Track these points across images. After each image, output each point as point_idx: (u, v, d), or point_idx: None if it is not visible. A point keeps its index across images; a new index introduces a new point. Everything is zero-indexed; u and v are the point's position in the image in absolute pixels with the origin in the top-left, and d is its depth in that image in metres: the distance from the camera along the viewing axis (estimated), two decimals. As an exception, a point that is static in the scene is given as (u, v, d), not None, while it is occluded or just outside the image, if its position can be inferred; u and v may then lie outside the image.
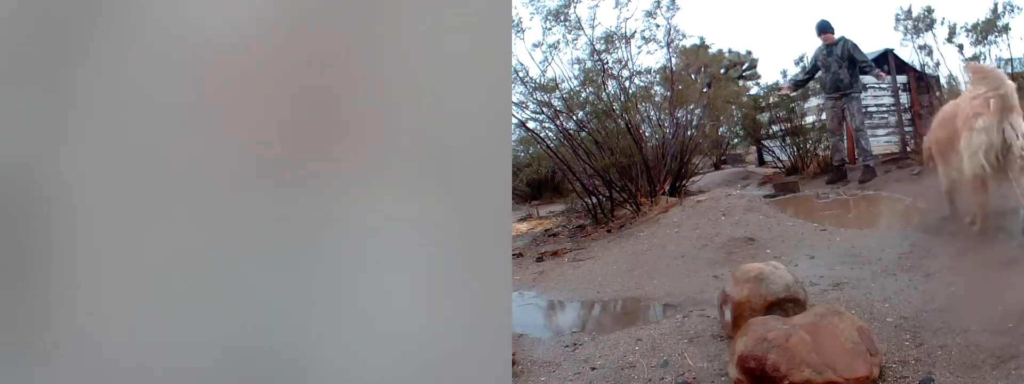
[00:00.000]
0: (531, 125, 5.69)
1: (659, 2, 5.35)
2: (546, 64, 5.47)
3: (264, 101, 0.93)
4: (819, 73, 5.74)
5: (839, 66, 5.49)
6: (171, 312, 0.90)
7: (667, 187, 5.35)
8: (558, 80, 5.50)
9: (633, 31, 5.41)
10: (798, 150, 7.09)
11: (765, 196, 5.01)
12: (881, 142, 7.39)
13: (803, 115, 7.22)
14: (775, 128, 7.53)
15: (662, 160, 5.36)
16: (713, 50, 6.69)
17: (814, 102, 7.66)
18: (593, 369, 2.13)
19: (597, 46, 5.35)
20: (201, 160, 0.92)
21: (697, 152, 6.21)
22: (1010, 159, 2.89)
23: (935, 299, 2.23)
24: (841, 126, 5.86)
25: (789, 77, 6.39)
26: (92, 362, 0.89)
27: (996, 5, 5.84)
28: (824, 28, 5.59)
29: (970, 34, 5.98)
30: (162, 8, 0.91)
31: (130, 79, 0.90)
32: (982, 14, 7.57)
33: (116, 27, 0.90)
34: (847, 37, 5.56)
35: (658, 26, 5.44)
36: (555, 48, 5.41)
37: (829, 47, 5.54)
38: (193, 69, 0.92)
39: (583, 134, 5.43)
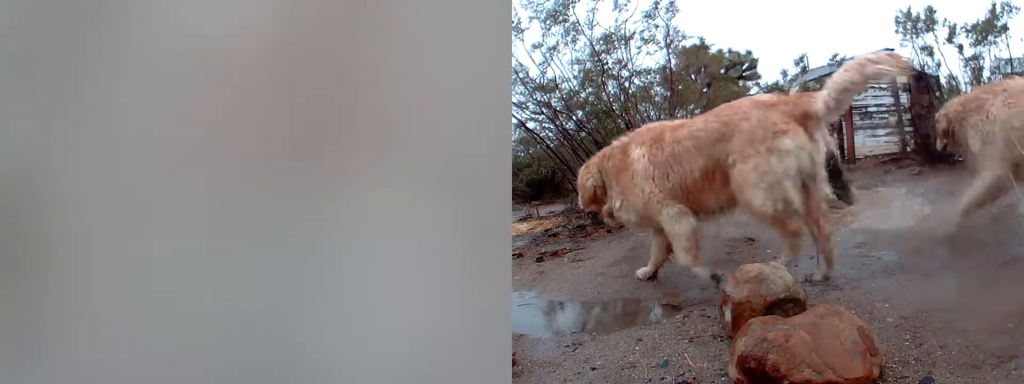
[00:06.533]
0: (531, 125, 5.71)
1: (657, 3, 5.35)
2: (546, 65, 5.48)
3: (264, 102, 0.93)
4: None
5: None
6: (170, 313, 0.90)
7: (667, 187, 5.35)
8: (558, 81, 5.51)
9: (632, 32, 5.43)
10: (798, 150, 7.10)
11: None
12: (881, 142, 7.40)
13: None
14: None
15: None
16: (713, 50, 6.69)
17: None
18: (593, 369, 2.13)
19: (596, 47, 5.36)
20: (200, 161, 0.92)
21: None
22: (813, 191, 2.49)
23: (935, 299, 2.23)
24: None
25: None
26: (92, 361, 0.89)
27: (994, 6, 5.85)
28: None
29: (970, 35, 5.99)
30: (162, 11, 0.91)
31: (130, 81, 0.90)
32: (981, 15, 7.57)
33: (116, 30, 0.90)
34: None
35: (657, 27, 5.45)
36: (554, 49, 5.43)
37: None
38: (193, 70, 0.92)
39: (583, 134, 5.44)
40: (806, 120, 2.45)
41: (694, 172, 2.65)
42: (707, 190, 2.65)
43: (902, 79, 7.25)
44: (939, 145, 3.17)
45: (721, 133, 2.56)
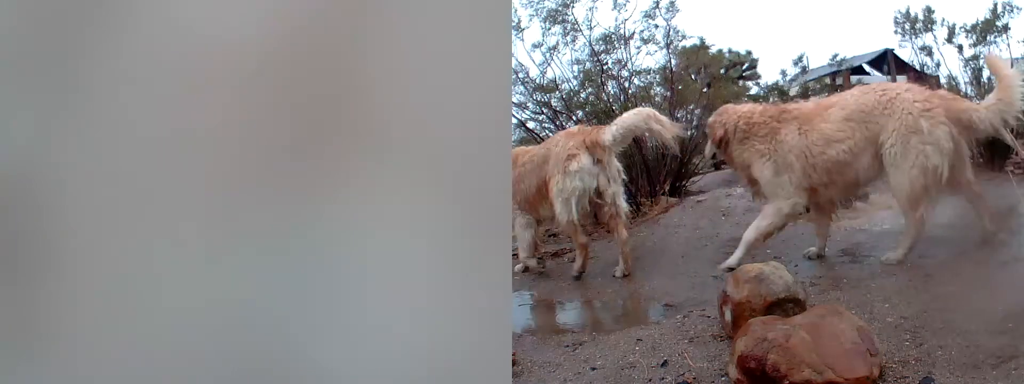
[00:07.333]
0: (531, 125, 5.69)
1: (657, 3, 5.35)
2: (545, 65, 5.47)
3: (264, 102, 0.93)
4: None
5: None
6: (170, 313, 0.90)
7: (667, 187, 5.34)
8: (558, 81, 5.50)
9: (632, 32, 5.42)
10: (798, 150, 7.09)
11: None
12: (881, 142, 7.40)
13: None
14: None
15: (662, 160, 5.35)
16: (713, 50, 6.68)
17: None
18: (593, 369, 2.13)
19: (596, 47, 5.35)
20: (200, 161, 0.92)
21: (697, 152, 6.20)
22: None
23: (935, 299, 2.23)
24: None
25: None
26: (92, 361, 0.89)
27: (995, 5, 5.84)
28: None
29: (970, 35, 5.98)
30: (161, 10, 0.91)
31: (129, 81, 0.90)
32: (981, 14, 7.57)
33: (115, 30, 0.90)
34: None
35: (657, 27, 5.44)
36: (554, 49, 5.42)
37: None
38: (192, 70, 0.92)
39: (583, 135, 5.43)
40: (595, 147, 3.14)
41: (532, 188, 3.40)
42: (540, 201, 3.40)
43: (902, 78, 7.27)
44: (708, 152, 3.43)
45: (544, 157, 3.33)
